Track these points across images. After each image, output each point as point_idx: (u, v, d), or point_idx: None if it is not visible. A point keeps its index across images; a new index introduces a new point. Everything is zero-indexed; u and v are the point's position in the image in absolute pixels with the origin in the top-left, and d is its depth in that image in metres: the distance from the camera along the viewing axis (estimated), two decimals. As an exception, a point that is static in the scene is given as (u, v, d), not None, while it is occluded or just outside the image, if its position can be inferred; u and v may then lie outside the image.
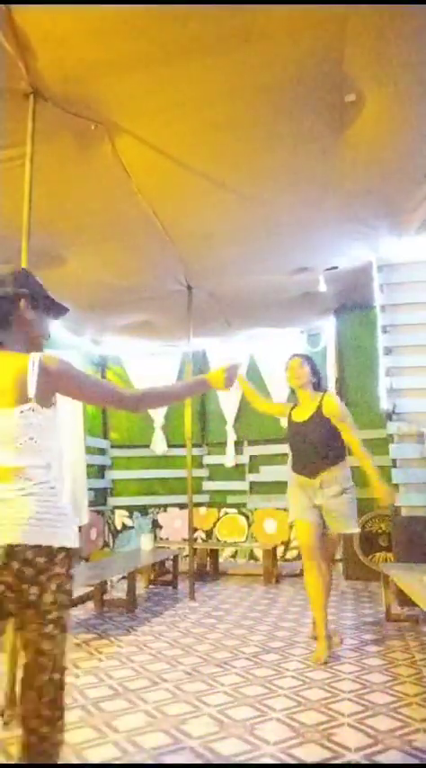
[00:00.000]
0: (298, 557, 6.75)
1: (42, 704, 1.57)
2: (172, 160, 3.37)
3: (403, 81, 2.83)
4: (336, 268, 5.13)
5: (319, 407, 3.64)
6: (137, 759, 2.26)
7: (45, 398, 1.61)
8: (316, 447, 3.61)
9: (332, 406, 3.60)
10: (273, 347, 7.21)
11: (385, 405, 4.86)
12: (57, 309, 1.83)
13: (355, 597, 5.20)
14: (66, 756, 2.28)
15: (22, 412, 1.57)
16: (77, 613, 4.87)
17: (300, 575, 6.47)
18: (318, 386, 3.80)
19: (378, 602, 4.77)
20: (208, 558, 6.74)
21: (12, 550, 1.51)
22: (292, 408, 3.86)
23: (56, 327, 6.27)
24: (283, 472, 5.59)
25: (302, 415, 3.73)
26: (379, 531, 6.00)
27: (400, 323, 4.90)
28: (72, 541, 1.61)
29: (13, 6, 2.31)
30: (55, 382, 1.63)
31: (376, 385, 5.10)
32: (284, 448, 6.15)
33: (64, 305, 1.83)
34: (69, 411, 6.42)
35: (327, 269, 5.14)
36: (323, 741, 2.36)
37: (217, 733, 2.48)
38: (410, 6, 2.39)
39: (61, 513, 1.61)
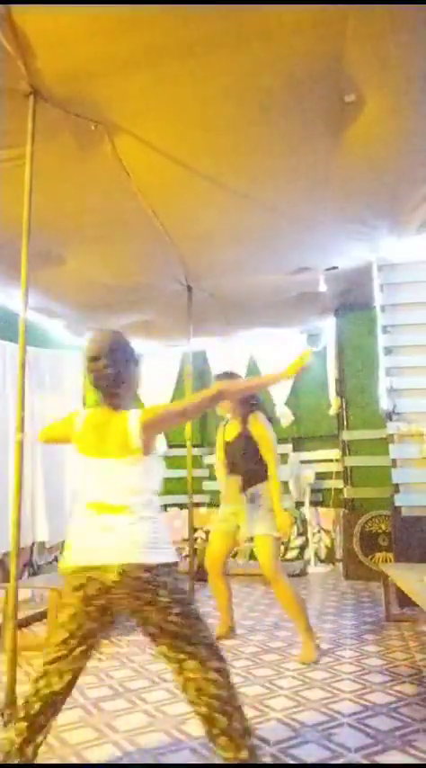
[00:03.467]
0: (299, 556, 6.76)
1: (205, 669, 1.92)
2: (172, 160, 3.37)
3: (403, 81, 2.83)
4: (336, 268, 5.13)
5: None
6: (137, 759, 2.26)
7: (147, 448, 2.02)
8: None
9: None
10: (273, 347, 7.21)
11: (385, 405, 4.86)
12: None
13: (355, 597, 5.20)
14: (67, 756, 2.29)
15: (127, 461, 2.00)
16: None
17: (300, 575, 6.49)
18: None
19: (378, 602, 4.77)
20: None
21: (123, 569, 1.89)
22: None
23: (56, 327, 6.28)
24: (282, 472, 5.57)
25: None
26: (379, 531, 6.00)
27: (400, 323, 4.91)
28: (169, 557, 1.99)
29: (13, 6, 2.31)
30: (153, 429, 2.03)
31: (376, 385, 5.10)
32: (282, 448, 6.16)
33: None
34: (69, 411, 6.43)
35: (327, 269, 5.14)
36: (323, 741, 2.37)
37: (217, 733, 2.47)
38: (410, 6, 2.39)
39: (159, 538, 1.98)
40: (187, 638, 1.93)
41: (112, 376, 2.07)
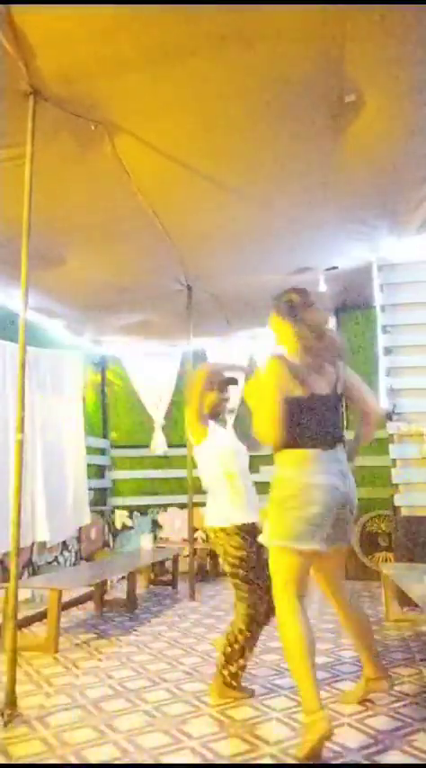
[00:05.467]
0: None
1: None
2: (172, 160, 3.37)
3: (403, 81, 2.83)
4: (336, 268, 5.13)
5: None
6: (137, 759, 2.26)
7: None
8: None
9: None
10: (273, 347, 7.19)
11: (385, 405, 4.86)
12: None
13: (355, 597, 5.19)
14: (67, 756, 2.29)
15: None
16: (77, 613, 4.88)
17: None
18: None
19: (378, 602, 4.77)
20: (208, 558, 6.74)
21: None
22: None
23: (56, 327, 6.28)
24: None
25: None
26: (379, 531, 6.00)
27: (400, 323, 4.91)
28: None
29: (13, 6, 2.31)
30: None
31: (376, 385, 5.10)
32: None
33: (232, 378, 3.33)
34: (69, 411, 6.44)
35: (327, 269, 5.14)
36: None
37: (217, 733, 2.48)
38: (410, 6, 2.39)
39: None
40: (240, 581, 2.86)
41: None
